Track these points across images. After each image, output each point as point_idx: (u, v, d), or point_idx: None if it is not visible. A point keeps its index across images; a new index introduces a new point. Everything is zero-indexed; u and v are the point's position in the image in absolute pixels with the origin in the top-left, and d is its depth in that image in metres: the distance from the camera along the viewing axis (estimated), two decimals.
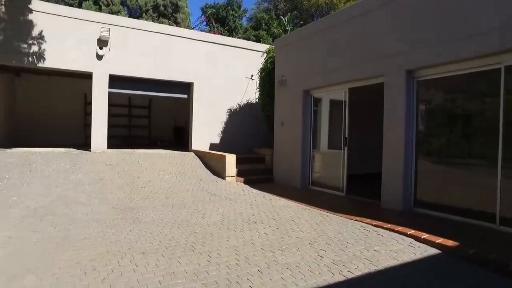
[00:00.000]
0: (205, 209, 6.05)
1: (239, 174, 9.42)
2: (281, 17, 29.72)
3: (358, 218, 5.48)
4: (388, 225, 4.98)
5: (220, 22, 27.79)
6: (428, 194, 5.97)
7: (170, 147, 13.86)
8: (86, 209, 5.83)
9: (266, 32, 26.73)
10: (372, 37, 6.71)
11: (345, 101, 7.52)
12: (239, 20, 28.85)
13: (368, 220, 5.33)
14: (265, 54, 11.19)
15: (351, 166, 7.58)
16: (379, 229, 4.96)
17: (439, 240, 4.25)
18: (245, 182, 9.00)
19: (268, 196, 7.46)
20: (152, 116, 16.22)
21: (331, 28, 7.77)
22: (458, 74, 5.47)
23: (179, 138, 15.68)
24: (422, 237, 4.40)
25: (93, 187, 7.19)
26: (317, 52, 8.17)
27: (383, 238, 4.56)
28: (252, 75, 12.79)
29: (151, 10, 26.49)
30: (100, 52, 9.88)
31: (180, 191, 7.43)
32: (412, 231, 4.63)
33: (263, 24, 27.92)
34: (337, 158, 7.86)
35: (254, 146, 12.63)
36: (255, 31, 27.43)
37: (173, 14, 27.70)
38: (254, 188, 8.37)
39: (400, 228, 4.80)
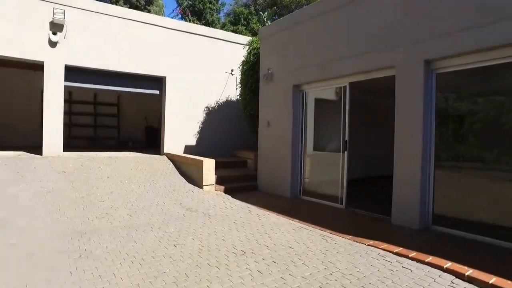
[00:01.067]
0: (178, 233, 4.78)
1: (218, 181, 8.18)
2: (261, 12, 28.68)
3: (372, 243, 4.38)
4: (414, 253, 3.91)
5: (197, 15, 26.31)
6: (449, 209, 4.98)
7: (142, 149, 12.43)
8: (18, 236, 4.39)
9: (245, 27, 25.52)
10: (380, 21, 5.66)
11: (345, 98, 6.44)
12: (217, 14, 27.49)
13: (384, 245, 4.25)
14: (248, 46, 9.99)
15: (350, 171, 6.53)
16: (403, 258, 3.88)
17: (493, 279, 3.21)
18: (226, 191, 7.78)
19: (254, 209, 6.28)
20: (122, 115, 14.67)
21: (329, 12, 6.65)
22: (489, 65, 4.49)
23: (151, 139, 14.21)
24: (467, 274, 3.35)
25: (36, 202, 5.74)
26: (311, 41, 7.05)
27: (412, 274, 3.48)
28: (232, 70, 11.57)
29: (122, 1, 24.70)
30: (54, 38, 8.35)
31: (148, 206, 6.11)
32: (449, 264, 3.58)
33: (241, 19, 26.70)
34: (334, 164, 6.78)
35: (235, 148, 11.41)
36: (234, 26, 26.16)
37: (146, 6, 26.01)
38: (237, 198, 7.17)
39: (431, 259, 3.74)
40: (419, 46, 5.05)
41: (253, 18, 26.32)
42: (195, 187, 7.68)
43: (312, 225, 5.28)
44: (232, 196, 7.37)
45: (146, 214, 5.62)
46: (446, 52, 4.76)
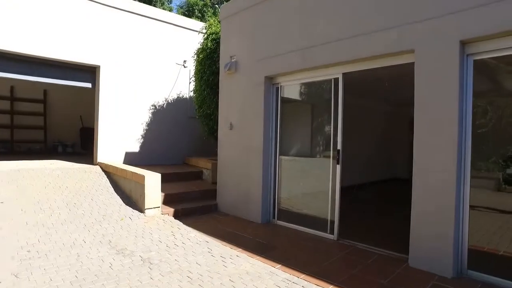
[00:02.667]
0: None
1: (167, 200, 6.28)
2: (216, 6, 26.76)
3: None
4: None
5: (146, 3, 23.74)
6: (490, 245, 3.61)
7: (74, 156, 10.12)
8: None
9: (199, 20, 23.49)
10: None
11: (336, 94, 4.90)
12: (168, 4, 25.15)
13: None
14: (205, 30, 8.17)
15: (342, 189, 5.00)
16: None
17: None
18: (177, 215, 5.90)
19: (216, 247, 4.50)
20: (50, 114, 12.06)
21: None
22: None
23: (88, 143, 11.79)
24: None
25: None
26: (290, 18, 5.43)
27: None
28: (185, 61, 9.68)
29: None
30: None
31: (56, 251, 4.07)
32: None
33: (196, 11, 24.63)
34: (320, 180, 5.25)
35: (188, 154, 9.53)
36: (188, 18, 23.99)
37: None
38: (191, 226, 5.35)
39: None
40: (453, 20, 3.62)
41: (209, 11, 24.39)
42: (134, 211, 5.71)
43: (302, 274, 3.64)
44: (185, 223, 5.52)
45: (48, 268, 3.59)
46: (494, 29, 3.36)
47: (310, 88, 5.76)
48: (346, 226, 4.99)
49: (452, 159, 3.61)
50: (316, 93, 5.74)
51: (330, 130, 5.00)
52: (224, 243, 4.67)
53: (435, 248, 3.69)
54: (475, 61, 3.65)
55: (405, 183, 12.45)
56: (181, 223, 5.52)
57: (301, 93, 6.01)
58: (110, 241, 4.44)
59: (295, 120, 6.01)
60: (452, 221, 3.59)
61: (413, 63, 3.99)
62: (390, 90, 8.34)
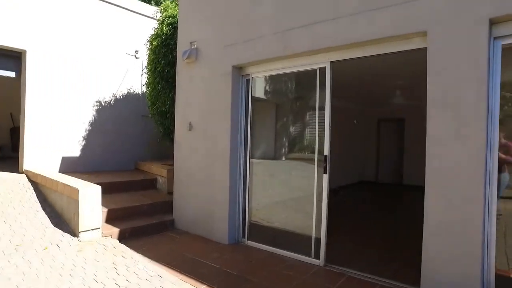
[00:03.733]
0: None
1: (110, 217, 5.04)
2: None
3: None
4: None
5: None
6: None
7: (1, 161, 8.47)
8: None
9: (156, 4, 21.83)
10: None
11: (322, 87, 4.01)
12: None
13: None
14: (160, 13, 6.97)
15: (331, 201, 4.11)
16: None
17: None
18: (123, 238, 4.71)
19: (171, 284, 3.41)
20: None
21: None
22: None
23: (19, 146, 10.01)
24: None
25: None
26: None
27: None
28: (136, 52, 8.38)
29: None
30: None
31: None
32: None
33: None
34: (302, 190, 4.36)
35: (140, 158, 8.25)
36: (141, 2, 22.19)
37: None
38: (141, 252, 4.21)
39: None
40: None
41: None
42: (65, 235, 4.43)
43: None
44: (133, 247, 4.36)
45: None
46: None
47: (289, 81, 4.84)
48: (332, 245, 4.12)
49: (480, 161, 2.83)
50: (297, 87, 4.83)
51: (315, 132, 4.10)
52: (183, 277, 3.59)
53: (458, 273, 2.90)
54: (504, 46, 2.91)
55: (375, 186, 12.11)
56: (127, 248, 4.34)
57: (277, 87, 5.08)
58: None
59: (270, 119, 5.07)
60: (480, 236, 2.82)
61: (424, 49, 3.19)
62: (369, 86, 7.68)
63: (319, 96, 4.06)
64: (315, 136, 4.11)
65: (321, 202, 3.98)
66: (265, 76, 4.81)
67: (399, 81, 7.18)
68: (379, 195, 9.89)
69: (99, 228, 4.56)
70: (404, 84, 7.51)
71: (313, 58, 4.05)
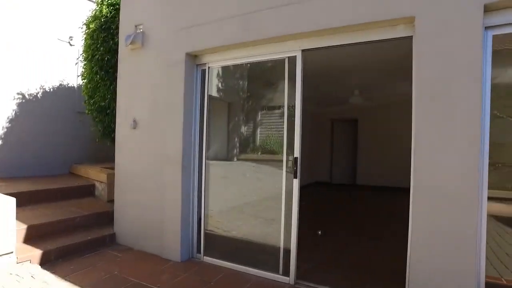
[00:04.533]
0: None
1: (30, 237, 4.07)
2: None
3: None
4: None
5: None
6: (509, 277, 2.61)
7: None
8: None
9: None
10: None
11: (293, 77, 3.49)
12: None
13: None
14: None
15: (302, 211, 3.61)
16: None
17: None
18: (47, 261, 3.79)
19: None
20: None
21: None
22: None
23: None
24: None
25: None
26: None
27: None
28: (71, 38, 7.29)
29: None
30: None
31: None
32: None
33: None
34: (268, 195, 3.82)
35: (75, 161, 7.18)
36: None
37: None
38: (71, 281, 3.36)
39: None
40: None
41: None
42: None
43: None
44: (60, 274, 3.49)
45: None
46: None
47: (252, 71, 4.27)
48: (303, 257, 3.62)
49: (473, 161, 2.49)
50: (261, 78, 4.28)
51: (283, 131, 3.57)
52: None
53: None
54: (494, 36, 2.61)
55: (330, 187, 11.97)
56: (52, 276, 3.47)
57: (238, 78, 4.49)
58: None
59: (231, 115, 4.47)
60: (474, 248, 2.48)
61: (410, 38, 2.81)
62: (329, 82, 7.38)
63: (287, 90, 3.55)
64: (283, 136, 3.59)
65: (291, 210, 3.47)
66: (224, 66, 4.19)
67: (360, 79, 6.98)
68: (338, 197, 9.73)
69: (12, 252, 3.60)
70: (363, 83, 7.34)
71: (282, 45, 3.52)
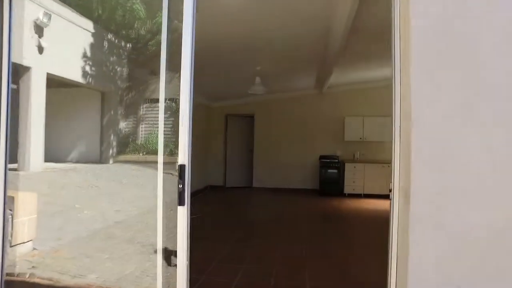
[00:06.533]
0: None
1: None
2: None
3: None
4: None
5: None
6: None
7: None
8: None
9: None
10: None
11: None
12: None
13: None
14: None
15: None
16: None
17: None
18: None
19: None
20: None
21: None
22: None
23: None
24: None
25: None
26: None
27: None
28: None
29: None
30: None
31: None
32: None
33: None
34: (150, 211, 2.34)
35: None
36: None
37: None
38: None
39: None
40: None
41: None
42: None
43: None
44: None
45: None
46: None
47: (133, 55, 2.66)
48: None
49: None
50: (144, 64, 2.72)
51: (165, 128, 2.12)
52: None
53: None
54: None
55: (227, 192, 10.59)
56: None
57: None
58: None
59: (105, 108, 2.84)
60: None
61: None
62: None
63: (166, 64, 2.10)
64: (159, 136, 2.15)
65: (183, 241, 2.04)
66: None
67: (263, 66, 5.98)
68: (241, 203, 8.59)
69: None
70: (266, 72, 6.35)
71: None
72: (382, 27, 4.36)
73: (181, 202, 1.92)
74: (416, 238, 1.46)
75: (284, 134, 9.88)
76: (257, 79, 6.25)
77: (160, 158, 2.14)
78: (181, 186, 1.92)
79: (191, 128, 1.98)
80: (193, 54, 1.93)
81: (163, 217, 2.19)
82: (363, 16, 3.78)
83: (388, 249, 1.74)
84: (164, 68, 2.11)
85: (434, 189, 1.47)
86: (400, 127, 1.64)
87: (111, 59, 6.44)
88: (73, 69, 5.63)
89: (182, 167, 1.94)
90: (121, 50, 6.55)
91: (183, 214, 1.94)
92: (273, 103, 9.90)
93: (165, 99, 2.16)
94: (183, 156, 1.97)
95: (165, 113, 2.26)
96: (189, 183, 1.96)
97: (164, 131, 2.24)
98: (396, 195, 1.61)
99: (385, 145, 9.62)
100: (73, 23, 5.61)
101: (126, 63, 6.51)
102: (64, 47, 5.53)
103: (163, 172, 2.17)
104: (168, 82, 2.14)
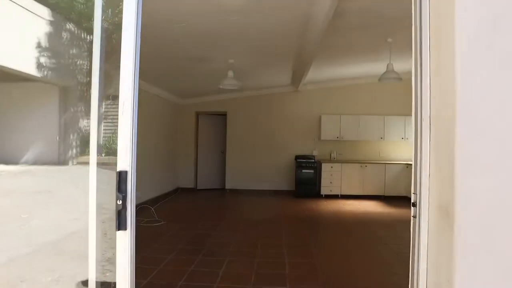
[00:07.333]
0: None
1: None
2: None
3: None
4: None
5: None
6: None
7: None
8: None
9: None
10: None
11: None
12: None
13: None
14: None
15: None
16: None
17: None
18: None
19: None
20: None
21: None
22: None
23: None
24: None
25: None
26: None
27: None
28: None
29: None
30: None
31: None
32: None
33: None
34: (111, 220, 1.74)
35: None
36: None
37: None
38: None
39: None
40: None
41: None
42: None
43: None
44: None
45: None
46: None
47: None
48: None
49: None
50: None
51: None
52: None
53: None
54: None
55: (192, 194, 10.07)
56: None
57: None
58: None
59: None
60: None
61: None
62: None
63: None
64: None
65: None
66: None
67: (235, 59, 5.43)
68: (211, 208, 7.98)
69: None
70: (239, 65, 5.81)
71: None
72: (368, 12, 3.91)
73: (121, 225, 1.36)
74: (464, 275, 0.99)
75: (259, 133, 9.41)
76: (230, 73, 5.71)
77: (93, 158, 1.58)
78: (121, 201, 1.35)
79: (136, 118, 1.42)
80: (139, 20, 1.39)
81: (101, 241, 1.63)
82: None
83: None
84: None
85: (490, 203, 1.01)
86: (431, 124, 1.17)
87: (71, 51, 5.79)
88: (25, 60, 4.93)
89: (122, 175, 1.38)
90: (81, 42, 5.91)
91: (124, 241, 1.38)
92: (246, 100, 9.41)
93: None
94: (125, 158, 1.40)
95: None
96: (133, 198, 1.40)
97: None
98: (425, 212, 1.14)
99: (362, 144, 9.49)
100: (26, 9, 4.90)
101: (87, 56, 5.87)
102: (13, 35, 4.83)
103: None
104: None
